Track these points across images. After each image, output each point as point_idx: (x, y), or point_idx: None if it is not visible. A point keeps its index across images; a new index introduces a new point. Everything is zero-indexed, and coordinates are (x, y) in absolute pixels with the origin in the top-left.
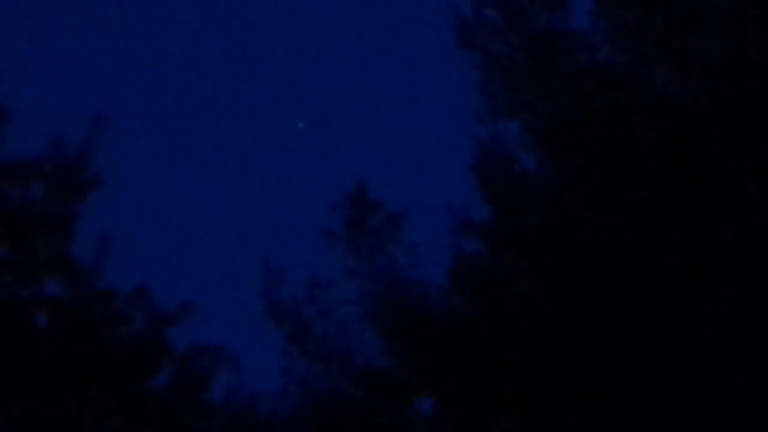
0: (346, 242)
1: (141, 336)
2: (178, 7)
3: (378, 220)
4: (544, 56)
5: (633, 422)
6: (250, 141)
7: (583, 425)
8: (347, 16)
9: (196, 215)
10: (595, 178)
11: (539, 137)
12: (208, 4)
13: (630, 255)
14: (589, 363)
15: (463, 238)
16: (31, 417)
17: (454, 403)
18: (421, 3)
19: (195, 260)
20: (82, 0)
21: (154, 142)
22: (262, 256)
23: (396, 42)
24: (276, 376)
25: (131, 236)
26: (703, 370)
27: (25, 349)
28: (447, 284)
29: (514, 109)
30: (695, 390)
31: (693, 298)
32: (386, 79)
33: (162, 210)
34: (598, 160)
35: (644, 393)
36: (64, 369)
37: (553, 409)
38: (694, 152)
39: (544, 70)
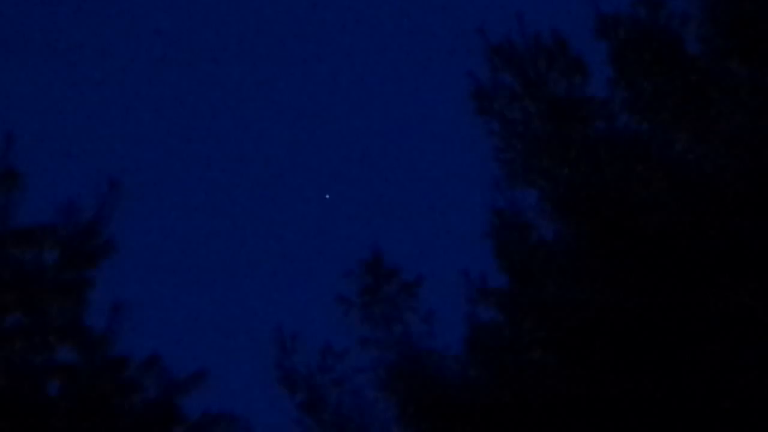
0: (360, 310)
1: (153, 404)
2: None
3: (393, 287)
4: (562, 123)
5: None
6: (264, 207)
7: None
8: (361, 76)
9: (208, 281)
10: (613, 248)
11: (556, 205)
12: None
13: (649, 326)
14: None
15: (478, 306)
16: None
17: None
18: (438, 67)
19: (207, 327)
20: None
21: (164, 204)
22: (275, 323)
23: (414, 108)
24: None
25: (141, 303)
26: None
27: (36, 418)
28: (463, 353)
29: (531, 177)
30: None
31: (716, 375)
32: (402, 146)
33: (174, 275)
34: (616, 229)
35: None
36: None
37: None
38: (714, 223)
39: (562, 137)
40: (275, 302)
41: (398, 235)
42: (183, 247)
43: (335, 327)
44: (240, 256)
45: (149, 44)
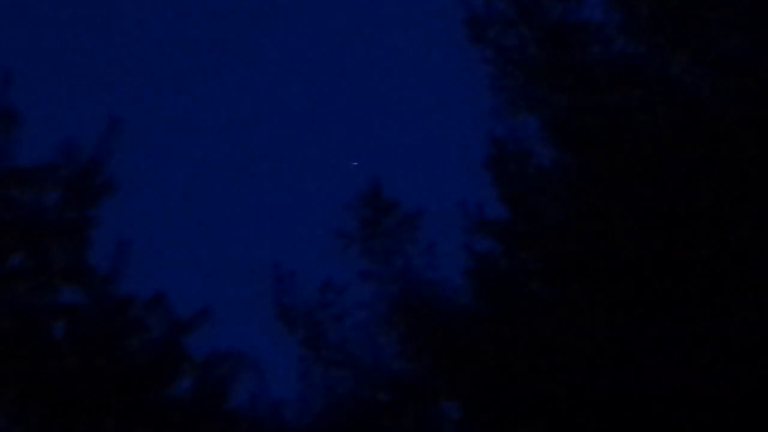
0: (360, 244)
1: (159, 344)
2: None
3: (393, 220)
4: (558, 49)
5: (656, 424)
6: (262, 142)
7: (603, 427)
8: (355, 14)
9: (206, 217)
10: (612, 173)
11: (554, 132)
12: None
13: (648, 251)
14: (608, 362)
15: (476, 237)
16: (50, 428)
17: (477, 407)
18: None
19: (205, 266)
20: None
21: (165, 145)
22: (274, 261)
23: (407, 38)
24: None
25: (138, 242)
26: (726, 368)
27: (42, 359)
28: (463, 285)
29: (528, 104)
30: (720, 392)
31: (712, 294)
32: (397, 77)
33: (172, 214)
34: (615, 154)
35: (666, 395)
36: (83, 379)
37: (573, 412)
38: (711, 145)
39: (558, 64)
40: (273, 239)
41: (396, 167)
42: (181, 186)
43: (334, 262)
44: (238, 194)
45: None
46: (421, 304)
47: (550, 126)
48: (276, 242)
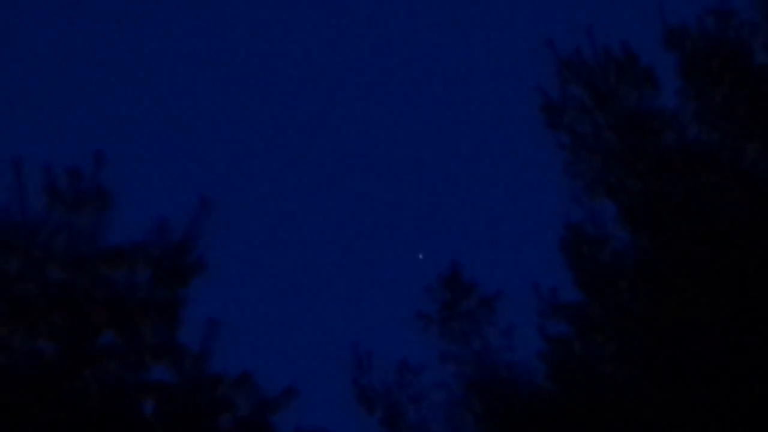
0: (439, 325)
1: (246, 422)
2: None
3: (472, 302)
4: (633, 135)
5: None
6: (344, 223)
7: None
8: (436, 92)
9: (287, 298)
10: (687, 260)
11: (629, 217)
12: None
13: (723, 338)
14: None
15: (550, 320)
16: None
17: None
18: (508, 81)
19: (285, 346)
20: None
21: (249, 227)
22: (352, 341)
23: (487, 123)
24: None
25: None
26: None
27: None
28: (539, 367)
29: (603, 190)
30: None
31: None
32: (476, 162)
33: (251, 294)
34: (689, 240)
35: None
36: None
37: None
38: None
39: (633, 150)
40: (352, 320)
41: (474, 250)
42: (261, 265)
43: (411, 344)
44: (319, 275)
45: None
46: (499, 384)
47: (625, 211)
48: (353, 324)
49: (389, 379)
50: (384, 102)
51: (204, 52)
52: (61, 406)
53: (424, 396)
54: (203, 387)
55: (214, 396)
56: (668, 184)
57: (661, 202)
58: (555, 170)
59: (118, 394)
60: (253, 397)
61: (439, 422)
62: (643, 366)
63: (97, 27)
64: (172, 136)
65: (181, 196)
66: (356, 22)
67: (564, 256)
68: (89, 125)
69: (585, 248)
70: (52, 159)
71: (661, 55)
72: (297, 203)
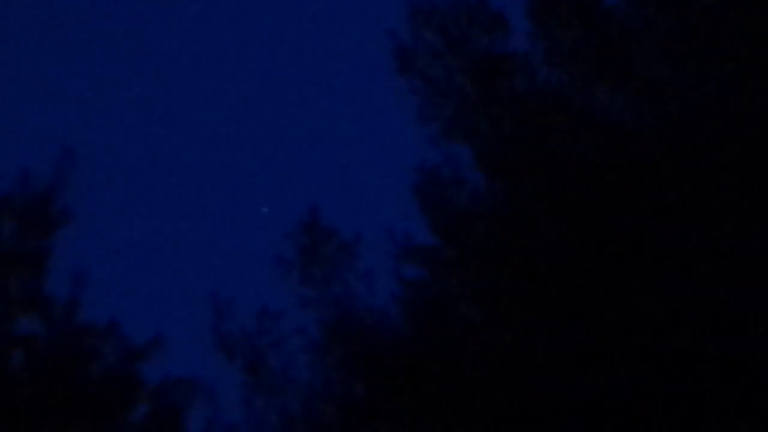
0: (299, 270)
1: (114, 371)
2: None
3: (331, 247)
4: (485, 80)
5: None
6: (201, 171)
7: None
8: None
9: (146, 246)
10: (539, 200)
11: (484, 161)
12: None
13: (572, 275)
14: (532, 383)
15: (405, 264)
16: None
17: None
18: (364, 26)
19: (143, 293)
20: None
21: (112, 177)
22: (211, 289)
23: (337, 68)
24: None
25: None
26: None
27: (1, 388)
28: (394, 310)
29: (458, 134)
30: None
31: (634, 316)
32: (330, 109)
33: (111, 242)
34: (542, 181)
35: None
36: (42, 406)
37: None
38: (635, 171)
39: (486, 94)
40: (211, 267)
41: (333, 195)
42: (123, 216)
43: (270, 290)
44: (178, 222)
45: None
46: (358, 329)
47: (480, 154)
48: (211, 271)
49: (249, 326)
50: (243, 52)
51: None
52: None
53: (285, 342)
54: (71, 337)
55: (82, 346)
56: (521, 127)
57: (514, 145)
58: (406, 116)
59: None
60: (120, 346)
61: (300, 367)
62: (496, 306)
63: None
64: (35, 87)
65: (44, 147)
66: None
67: (418, 200)
68: None
69: (440, 192)
70: None
71: None
72: (160, 158)
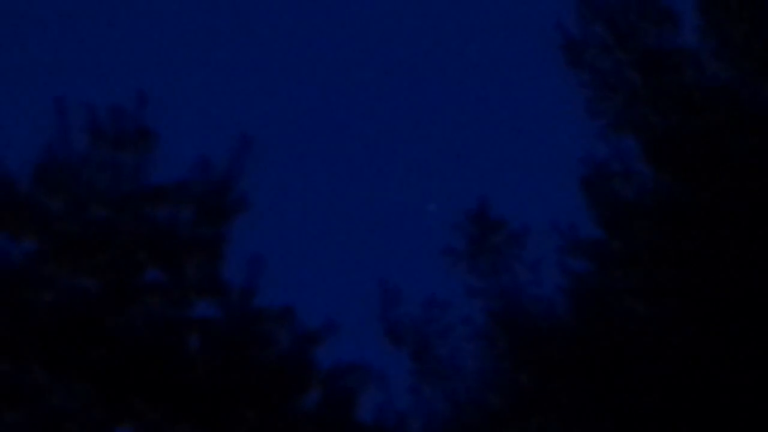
0: (467, 261)
1: (288, 356)
2: None
3: (500, 237)
4: (654, 73)
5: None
6: (373, 160)
7: None
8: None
9: (319, 235)
10: (708, 195)
11: (652, 154)
12: None
13: (742, 272)
14: (700, 381)
15: (570, 256)
16: None
17: (576, 421)
18: (528, 21)
19: (316, 284)
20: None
21: (286, 167)
22: (380, 278)
23: (505, 62)
24: None
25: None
26: None
27: (176, 372)
28: (560, 301)
29: (627, 127)
30: None
31: None
32: (498, 103)
33: (285, 231)
34: (709, 176)
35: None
36: (216, 390)
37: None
38: None
39: (655, 87)
40: (381, 259)
41: (504, 186)
42: (297, 205)
43: (438, 281)
44: (350, 212)
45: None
46: (523, 318)
47: (648, 147)
48: (386, 261)
49: (417, 315)
50: (405, 47)
51: None
52: (107, 343)
53: (452, 330)
54: (247, 322)
55: (258, 330)
56: (690, 121)
57: (682, 139)
58: (574, 109)
59: (163, 330)
60: (294, 331)
61: (465, 356)
62: (664, 301)
63: None
64: (213, 75)
65: (223, 135)
66: None
67: (585, 192)
68: (130, 66)
69: (608, 185)
70: (95, 99)
71: None
72: (336, 149)
